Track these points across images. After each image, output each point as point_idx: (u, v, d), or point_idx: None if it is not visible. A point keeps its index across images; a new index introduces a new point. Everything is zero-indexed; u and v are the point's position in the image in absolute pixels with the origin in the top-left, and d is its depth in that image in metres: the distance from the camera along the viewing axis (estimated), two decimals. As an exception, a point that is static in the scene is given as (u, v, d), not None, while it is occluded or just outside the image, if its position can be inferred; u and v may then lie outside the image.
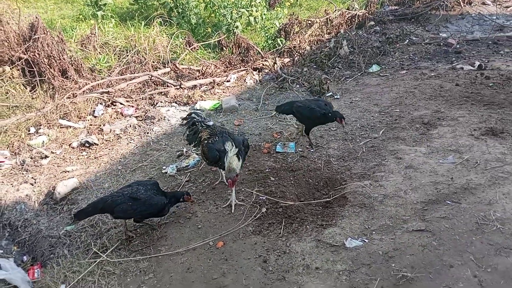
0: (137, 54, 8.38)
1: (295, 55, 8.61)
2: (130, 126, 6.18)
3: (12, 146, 5.88)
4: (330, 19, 9.47)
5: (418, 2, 10.78)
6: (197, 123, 4.82)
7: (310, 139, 5.44)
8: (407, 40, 9.19)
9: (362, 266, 3.49)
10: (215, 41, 9.19)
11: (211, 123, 4.82)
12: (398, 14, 10.25)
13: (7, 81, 6.84)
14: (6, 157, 5.65)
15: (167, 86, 7.64)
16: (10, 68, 6.94)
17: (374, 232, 3.84)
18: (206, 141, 4.45)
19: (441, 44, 9.02)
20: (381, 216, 4.02)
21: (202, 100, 7.10)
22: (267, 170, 5.01)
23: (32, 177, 5.16)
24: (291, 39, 8.93)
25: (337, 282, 3.37)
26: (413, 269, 3.38)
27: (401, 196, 4.26)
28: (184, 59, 8.62)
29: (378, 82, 7.42)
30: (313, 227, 4.00)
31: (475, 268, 3.33)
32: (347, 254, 3.63)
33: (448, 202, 4.09)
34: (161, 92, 7.41)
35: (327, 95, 7.03)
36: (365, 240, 3.76)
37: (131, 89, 7.55)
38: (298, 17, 9.21)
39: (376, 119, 5.99)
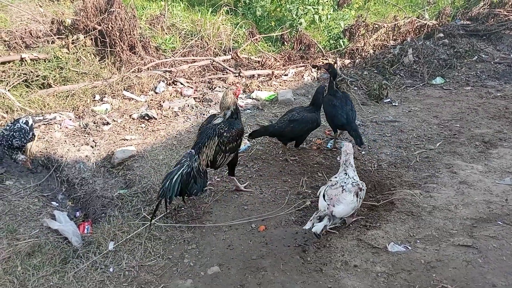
0: (201, 39, 8.61)
1: (357, 57, 8.53)
2: (188, 105, 6.39)
3: (77, 110, 6.25)
4: (398, 26, 9.29)
5: (492, 20, 10.32)
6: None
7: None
8: (476, 57, 8.86)
9: (402, 271, 3.45)
10: (277, 35, 9.26)
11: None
12: (470, 30, 9.87)
13: (80, 48, 7.25)
14: (70, 119, 6.02)
15: (227, 72, 7.81)
16: (84, 37, 7.34)
17: (418, 241, 3.78)
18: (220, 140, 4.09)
19: (512, 65, 8.63)
20: (427, 226, 3.95)
21: (259, 90, 7.21)
22: (315, 165, 5.04)
23: (93, 140, 5.47)
24: (355, 41, 8.85)
25: (375, 283, 3.35)
26: (454, 282, 3.30)
27: (451, 210, 4.16)
28: (245, 49, 8.76)
29: (440, 94, 7.22)
30: (356, 226, 4.00)
31: (520, 292, 3.22)
32: (388, 257, 3.60)
33: (500, 222, 3.95)
34: (220, 78, 7.59)
35: (385, 101, 6.93)
36: (408, 247, 3.71)
37: (192, 72, 7.79)
38: (365, 19, 9.10)
39: (434, 131, 5.85)
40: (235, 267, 3.49)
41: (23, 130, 5.05)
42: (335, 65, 8.12)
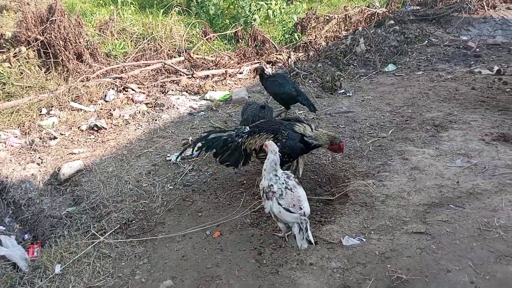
0: (153, 42, 8.42)
1: (310, 50, 8.53)
2: (139, 112, 6.22)
3: (23, 126, 5.99)
4: (349, 16, 9.35)
5: (441, 3, 10.54)
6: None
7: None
8: (426, 41, 9.01)
9: (357, 265, 3.43)
10: (231, 33, 9.16)
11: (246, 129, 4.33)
12: (420, 15, 10.04)
13: (23, 61, 6.94)
14: (16, 136, 5.75)
15: (180, 74, 7.66)
16: (26, 49, 7.04)
17: (372, 232, 3.77)
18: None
19: (461, 46, 8.82)
20: (381, 216, 3.95)
21: (213, 90, 7.09)
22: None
23: (39, 157, 5.24)
24: (307, 34, 8.85)
25: (330, 280, 3.33)
26: (409, 272, 3.31)
27: (404, 197, 4.18)
28: (199, 49, 8.63)
29: (392, 81, 7.30)
30: (311, 222, 3.95)
31: (473, 274, 3.24)
32: (343, 252, 3.58)
33: (452, 206, 4.00)
34: (173, 81, 7.43)
35: (339, 92, 6.95)
36: (363, 239, 3.70)
37: (144, 76, 7.61)
38: (315, 11, 9.11)
39: (387, 118, 5.90)
40: (189, 279, 3.39)
41: None
42: (289, 59, 8.11)
